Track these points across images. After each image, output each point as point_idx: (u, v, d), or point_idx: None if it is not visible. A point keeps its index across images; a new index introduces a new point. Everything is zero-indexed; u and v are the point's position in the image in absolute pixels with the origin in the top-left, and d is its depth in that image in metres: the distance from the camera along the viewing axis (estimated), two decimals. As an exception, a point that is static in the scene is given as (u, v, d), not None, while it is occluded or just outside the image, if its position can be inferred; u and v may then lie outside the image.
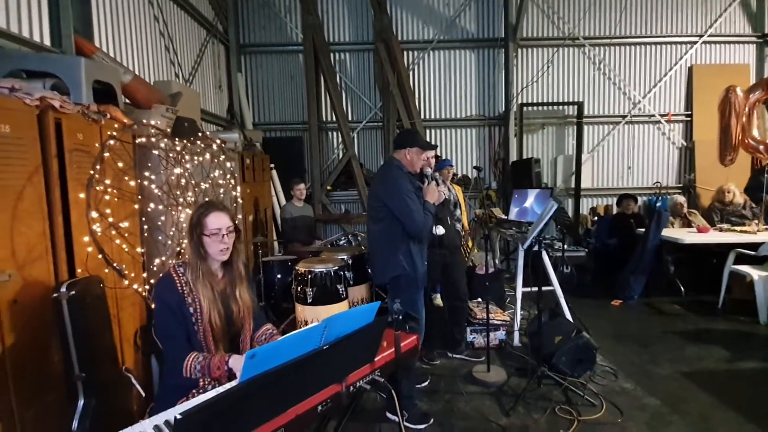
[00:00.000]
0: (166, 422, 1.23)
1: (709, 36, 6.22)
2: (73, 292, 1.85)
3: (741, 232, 4.52)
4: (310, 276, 2.70)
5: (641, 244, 4.74)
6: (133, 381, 2.15)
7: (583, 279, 5.50)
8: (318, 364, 1.24)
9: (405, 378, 2.45)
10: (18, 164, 1.78)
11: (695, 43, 6.24)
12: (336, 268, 2.77)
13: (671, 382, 2.90)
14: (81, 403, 1.85)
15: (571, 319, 3.60)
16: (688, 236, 4.49)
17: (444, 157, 5.87)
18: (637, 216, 5.53)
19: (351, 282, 2.98)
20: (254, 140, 5.51)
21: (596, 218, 6.26)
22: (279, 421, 1.21)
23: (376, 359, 1.58)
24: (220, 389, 1.44)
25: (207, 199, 2.52)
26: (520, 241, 3.59)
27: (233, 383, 1.41)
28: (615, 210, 6.00)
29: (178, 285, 1.61)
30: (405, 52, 6.23)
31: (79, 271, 2.00)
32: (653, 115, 6.40)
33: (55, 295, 1.83)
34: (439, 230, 2.65)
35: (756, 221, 4.85)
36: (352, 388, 1.47)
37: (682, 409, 2.55)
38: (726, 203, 5.41)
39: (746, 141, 4.51)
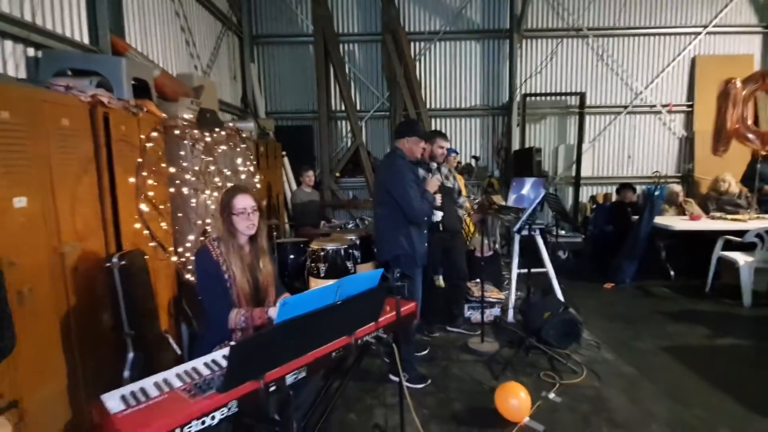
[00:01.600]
0: (212, 360, 1.55)
1: (714, 26, 6.30)
2: (123, 262, 2.17)
3: (732, 220, 4.72)
4: (323, 253, 3.01)
5: (634, 230, 4.98)
6: (171, 341, 2.49)
7: (580, 264, 5.77)
8: (333, 316, 1.54)
9: (405, 344, 2.77)
10: (76, 153, 2.08)
11: (699, 33, 6.33)
12: (345, 246, 3.07)
13: (650, 355, 3.18)
14: (131, 355, 2.19)
15: (562, 299, 3.89)
16: (679, 223, 4.71)
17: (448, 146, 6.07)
18: (635, 204, 5.74)
19: (359, 260, 3.27)
20: (267, 129, 5.79)
21: (595, 206, 6.48)
22: (303, 360, 1.52)
23: (380, 319, 1.88)
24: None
25: (233, 184, 2.81)
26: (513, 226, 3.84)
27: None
28: (614, 198, 6.20)
29: (214, 255, 1.91)
30: (412, 43, 6.40)
31: (126, 244, 2.32)
32: (654, 106, 6.53)
33: (107, 264, 2.16)
34: (436, 216, 2.92)
35: (749, 210, 5.05)
36: (360, 341, 1.77)
37: (656, 377, 2.84)
38: (722, 192, 5.59)
39: (739, 130, 4.67)
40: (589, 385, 2.75)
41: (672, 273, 4.98)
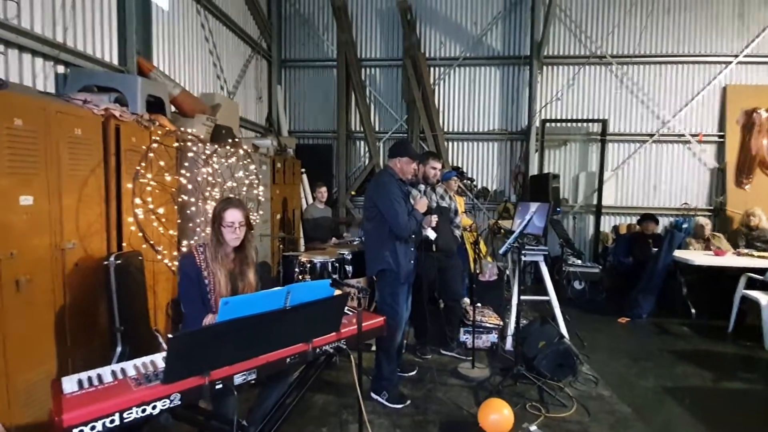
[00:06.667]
0: (171, 355, 1.64)
1: (745, 56, 6.05)
2: (119, 262, 2.35)
3: (758, 257, 4.42)
4: (309, 265, 3.09)
5: (652, 262, 4.75)
6: (160, 339, 2.62)
7: (597, 296, 5.52)
8: (284, 321, 1.60)
9: (386, 362, 2.77)
10: (85, 159, 2.31)
11: (730, 63, 6.09)
12: (333, 259, 3.14)
13: (650, 394, 2.99)
14: (119, 349, 2.33)
15: (565, 329, 3.75)
16: (699, 258, 4.45)
17: (453, 168, 6.07)
18: (657, 236, 5.49)
19: (350, 274, 3.32)
20: (288, 146, 6.05)
21: (615, 236, 6.24)
22: (253, 363, 1.59)
23: (342, 330, 1.91)
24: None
25: (228, 196, 2.97)
26: (510, 250, 3.76)
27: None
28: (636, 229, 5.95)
29: (198, 261, 2.02)
30: (432, 68, 6.56)
31: (124, 245, 2.51)
32: (683, 135, 6.29)
33: (105, 262, 2.34)
34: (429, 234, 2.94)
35: (782, 248, 4.70)
36: (318, 350, 1.81)
37: (649, 417, 2.66)
38: (752, 227, 5.25)
39: (765, 160, 4.42)
40: (576, 420, 2.62)
41: (693, 311, 4.68)
